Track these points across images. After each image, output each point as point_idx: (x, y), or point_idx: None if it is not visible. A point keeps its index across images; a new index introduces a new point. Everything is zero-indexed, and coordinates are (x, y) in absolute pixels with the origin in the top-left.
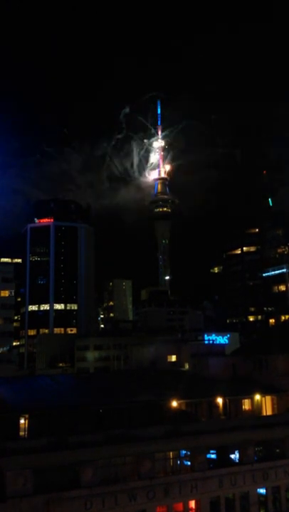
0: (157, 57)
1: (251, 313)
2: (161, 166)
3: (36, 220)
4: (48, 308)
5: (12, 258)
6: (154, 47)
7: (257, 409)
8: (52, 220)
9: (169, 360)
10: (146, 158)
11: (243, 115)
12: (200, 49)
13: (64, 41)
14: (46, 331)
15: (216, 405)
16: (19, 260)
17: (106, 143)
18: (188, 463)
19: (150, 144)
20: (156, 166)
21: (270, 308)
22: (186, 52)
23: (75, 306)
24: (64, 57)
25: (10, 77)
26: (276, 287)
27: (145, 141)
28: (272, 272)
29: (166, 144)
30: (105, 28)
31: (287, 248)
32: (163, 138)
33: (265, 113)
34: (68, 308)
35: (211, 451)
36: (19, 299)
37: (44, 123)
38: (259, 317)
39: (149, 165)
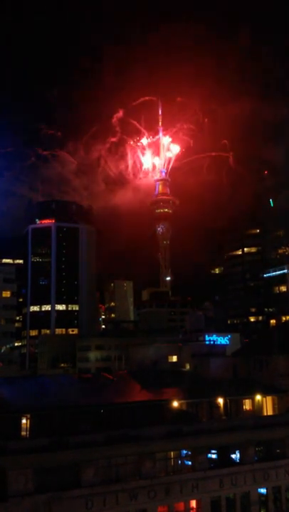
0: (153, 60)
1: (252, 314)
2: (162, 166)
3: (38, 221)
4: (50, 308)
5: (14, 259)
6: (150, 50)
7: (257, 409)
8: (53, 220)
9: (170, 360)
10: (143, 160)
11: (244, 115)
12: (197, 48)
13: (60, 44)
14: (48, 331)
15: (217, 405)
16: (21, 261)
17: (101, 146)
18: (189, 463)
19: (144, 148)
20: (152, 167)
21: (270, 309)
22: (182, 53)
23: (76, 307)
24: (60, 59)
25: (4, 79)
26: (277, 288)
27: (139, 144)
28: (273, 273)
29: (163, 145)
30: (100, 30)
31: (288, 249)
32: (158, 140)
33: (268, 113)
34: (70, 308)
35: (212, 451)
36: (21, 300)
37: (38, 126)
38: (260, 318)
39: (144, 167)
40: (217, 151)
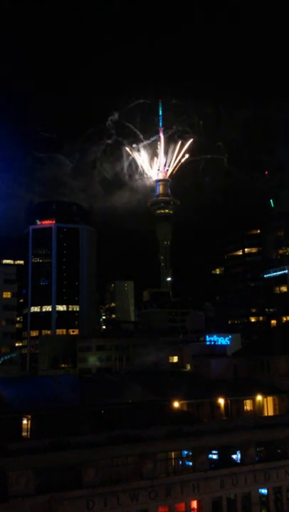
0: (148, 62)
1: (252, 315)
2: (163, 167)
3: (38, 222)
4: (50, 309)
5: (14, 259)
6: (145, 52)
7: (258, 409)
8: (54, 221)
9: (170, 361)
10: (140, 161)
11: (244, 115)
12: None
13: (56, 49)
14: (48, 332)
15: (218, 406)
16: (21, 262)
17: (96, 148)
18: (190, 463)
19: (138, 150)
20: (150, 168)
21: (271, 310)
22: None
23: (77, 308)
24: (54, 63)
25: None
26: (277, 288)
27: (134, 145)
28: (274, 273)
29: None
30: (96, 35)
31: (288, 249)
32: (152, 143)
33: (268, 113)
34: (70, 309)
35: (213, 452)
36: (21, 301)
37: (33, 129)
38: (260, 318)
39: (141, 168)
40: (212, 153)
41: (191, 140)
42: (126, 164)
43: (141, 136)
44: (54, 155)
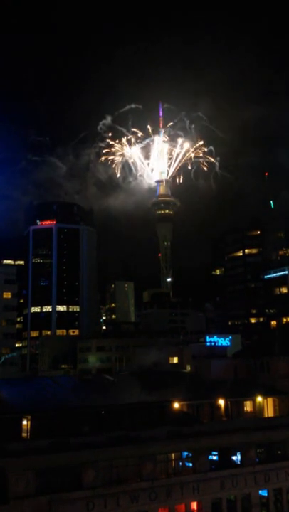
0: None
1: (253, 315)
2: (163, 167)
3: (38, 222)
4: (51, 309)
5: (15, 260)
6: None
7: (259, 411)
8: (54, 222)
9: (170, 361)
10: (137, 163)
11: (244, 115)
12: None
13: (53, 50)
14: (48, 332)
15: (218, 407)
16: (22, 262)
17: (90, 150)
18: (190, 464)
19: (134, 151)
20: (149, 169)
21: (271, 311)
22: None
23: (77, 308)
24: (49, 65)
25: None
26: (278, 289)
27: (130, 147)
28: (274, 274)
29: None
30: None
31: (288, 250)
32: (151, 144)
33: (268, 114)
34: (70, 309)
35: (213, 453)
36: (21, 301)
37: (27, 132)
38: (260, 319)
39: (135, 170)
40: (205, 156)
41: (190, 142)
42: (122, 166)
43: (135, 139)
44: (47, 158)
